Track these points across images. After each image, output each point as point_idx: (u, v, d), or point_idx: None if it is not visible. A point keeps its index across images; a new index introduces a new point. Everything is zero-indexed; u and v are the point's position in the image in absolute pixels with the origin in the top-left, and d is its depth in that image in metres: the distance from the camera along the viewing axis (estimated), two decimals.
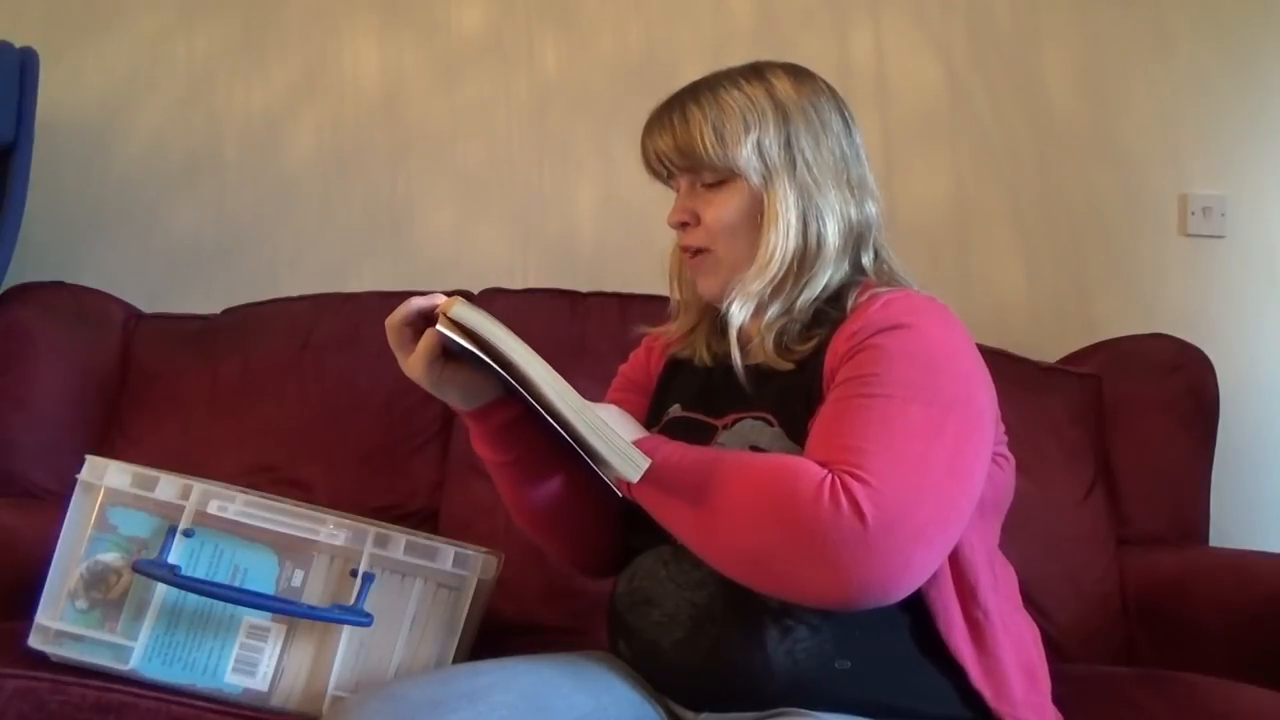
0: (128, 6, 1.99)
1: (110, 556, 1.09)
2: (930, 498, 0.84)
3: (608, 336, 1.61)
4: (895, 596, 0.85)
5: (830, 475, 0.84)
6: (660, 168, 1.04)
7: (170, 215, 1.96)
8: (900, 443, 0.85)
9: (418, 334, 0.93)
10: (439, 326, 0.87)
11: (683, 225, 1.04)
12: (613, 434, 0.88)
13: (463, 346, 0.86)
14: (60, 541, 1.10)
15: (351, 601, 1.10)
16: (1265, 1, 1.90)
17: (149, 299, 1.84)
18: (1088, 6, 1.93)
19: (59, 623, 1.08)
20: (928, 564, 0.85)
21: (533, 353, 0.87)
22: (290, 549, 1.11)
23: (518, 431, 1.01)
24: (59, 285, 1.76)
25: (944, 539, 0.86)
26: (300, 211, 1.96)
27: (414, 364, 0.93)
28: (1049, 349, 1.80)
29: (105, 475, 1.10)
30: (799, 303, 0.99)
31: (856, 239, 1.02)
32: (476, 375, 0.97)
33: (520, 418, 1.00)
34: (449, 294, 0.93)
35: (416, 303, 0.93)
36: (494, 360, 0.87)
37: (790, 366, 0.98)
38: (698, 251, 1.03)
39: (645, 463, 0.89)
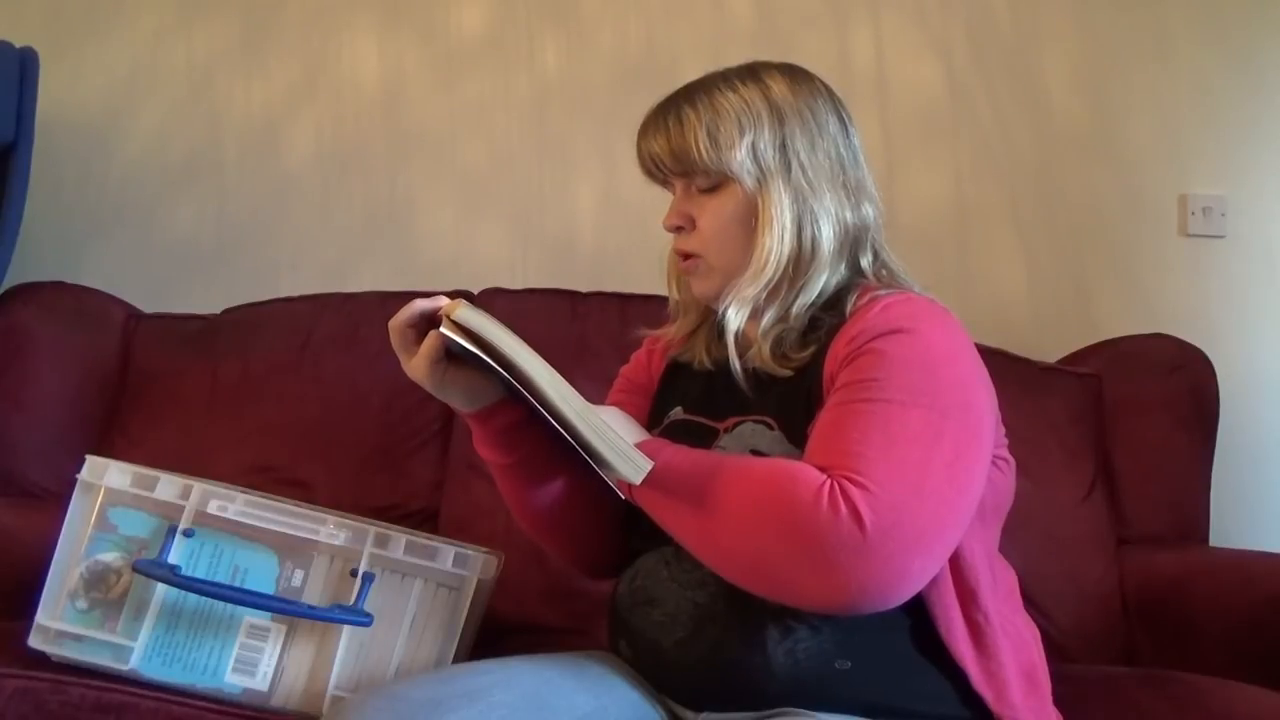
0: (128, 6, 1.99)
1: (110, 556, 1.09)
2: (929, 503, 0.84)
3: (608, 337, 1.61)
4: (894, 601, 0.85)
5: (829, 480, 0.84)
6: (656, 171, 1.03)
7: (170, 215, 1.96)
8: (899, 448, 0.85)
9: (420, 336, 0.93)
10: (442, 329, 0.87)
11: (678, 229, 1.03)
12: (615, 436, 0.88)
13: (466, 349, 0.86)
14: (60, 541, 1.10)
15: (351, 601, 1.10)
16: (1265, 2, 1.90)
17: (149, 299, 1.84)
18: (1088, 7, 1.93)
19: (59, 623, 1.08)
20: (926, 569, 0.85)
21: (535, 355, 0.87)
22: (290, 549, 1.11)
23: (520, 433, 1.01)
24: (59, 285, 1.76)
25: (943, 544, 0.86)
26: (300, 211, 1.96)
27: (417, 366, 0.93)
28: (1049, 349, 1.80)
29: (105, 475, 1.10)
30: (795, 308, 0.99)
31: (853, 242, 1.01)
32: (479, 377, 0.97)
33: (523, 420, 1.00)
34: (449, 294, 0.93)
35: (419, 305, 0.93)
36: (497, 362, 0.87)
37: (789, 373, 0.98)
38: (688, 256, 1.02)
39: (647, 465, 0.89)
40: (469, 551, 1.14)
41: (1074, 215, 1.92)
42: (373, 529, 1.13)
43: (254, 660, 1.10)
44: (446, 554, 1.14)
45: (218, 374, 1.67)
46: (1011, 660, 0.93)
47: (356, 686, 1.10)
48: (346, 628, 1.10)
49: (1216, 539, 1.62)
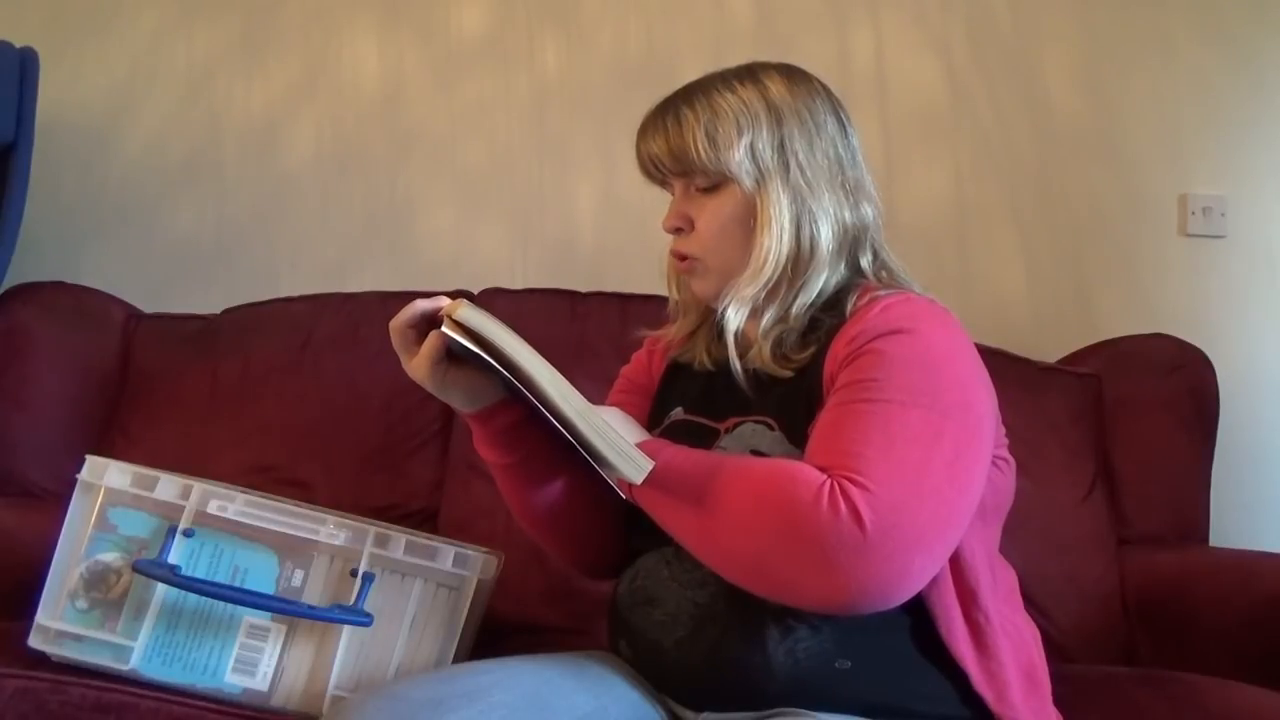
0: (128, 6, 1.99)
1: (110, 556, 1.09)
2: (929, 503, 0.84)
3: (607, 337, 1.61)
4: (894, 601, 0.85)
5: (829, 480, 0.84)
6: (654, 171, 1.03)
7: (170, 215, 1.96)
8: (899, 448, 0.85)
9: (421, 336, 0.93)
10: (444, 328, 0.87)
11: (677, 230, 1.03)
12: (616, 436, 0.88)
13: (467, 349, 0.86)
14: (60, 541, 1.10)
15: (351, 601, 1.10)
16: (1265, 1, 1.90)
17: (149, 299, 1.84)
18: (1088, 6, 1.93)
19: (59, 623, 1.08)
20: (926, 569, 0.85)
21: (536, 355, 0.87)
22: (290, 549, 1.11)
23: (521, 433, 1.01)
24: (59, 285, 1.76)
25: (943, 544, 0.86)
26: (300, 211, 1.96)
27: (418, 366, 0.93)
28: (1049, 349, 1.80)
29: (105, 475, 1.10)
30: (794, 308, 0.99)
31: (852, 242, 1.01)
32: (480, 377, 0.97)
33: (523, 420, 1.00)
34: (450, 294, 0.93)
35: (420, 305, 0.93)
36: (498, 362, 0.87)
37: (789, 374, 0.98)
38: (685, 257, 1.02)
39: (648, 465, 0.89)
40: (469, 551, 1.14)
41: (1074, 215, 1.92)
42: (373, 529, 1.13)
43: (254, 660, 1.10)
44: (446, 554, 1.14)
45: (218, 374, 1.67)
46: (1012, 660, 0.93)
47: (356, 686, 1.10)
48: (346, 628, 1.10)
49: (1216, 539, 1.62)
